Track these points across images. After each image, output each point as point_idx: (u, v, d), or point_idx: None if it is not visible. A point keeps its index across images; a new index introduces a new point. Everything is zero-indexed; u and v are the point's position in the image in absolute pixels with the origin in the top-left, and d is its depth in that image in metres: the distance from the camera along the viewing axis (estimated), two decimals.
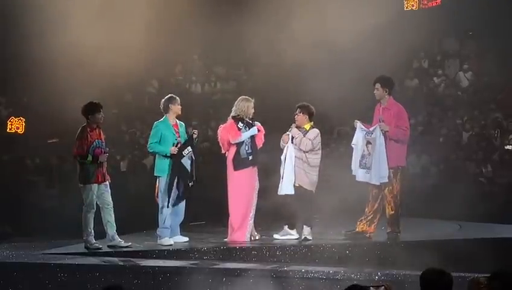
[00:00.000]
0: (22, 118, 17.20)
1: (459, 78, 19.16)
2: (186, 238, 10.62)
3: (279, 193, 10.53)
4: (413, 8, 19.78)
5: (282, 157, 10.57)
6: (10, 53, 16.46)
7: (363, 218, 10.75)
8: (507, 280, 5.32)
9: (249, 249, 10.12)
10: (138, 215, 12.86)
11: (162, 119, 10.53)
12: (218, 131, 10.69)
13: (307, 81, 14.06)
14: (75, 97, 12.50)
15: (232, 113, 10.55)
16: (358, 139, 10.67)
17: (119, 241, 10.18)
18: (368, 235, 10.69)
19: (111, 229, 10.13)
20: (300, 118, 10.67)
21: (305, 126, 10.65)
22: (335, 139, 16.14)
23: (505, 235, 11.24)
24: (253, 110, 10.57)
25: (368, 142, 10.55)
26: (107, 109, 11.05)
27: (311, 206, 10.63)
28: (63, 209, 14.15)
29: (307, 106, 10.73)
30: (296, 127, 10.66)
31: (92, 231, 10.10)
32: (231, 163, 10.47)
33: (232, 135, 10.45)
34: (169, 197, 10.21)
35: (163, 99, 10.62)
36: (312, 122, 10.71)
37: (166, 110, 10.51)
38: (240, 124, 10.47)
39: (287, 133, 10.64)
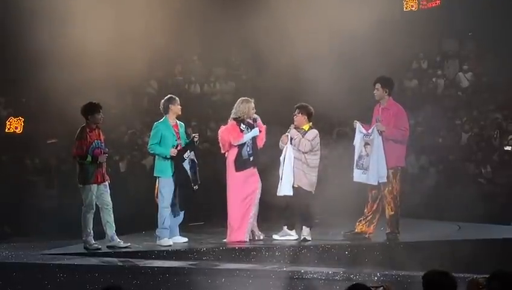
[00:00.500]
0: (20, 118, 17.15)
1: (458, 79, 19.17)
2: (185, 239, 10.62)
3: (278, 194, 10.51)
4: (413, 8, 19.83)
5: (281, 158, 10.55)
6: (10, 53, 16.44)
7: (362, 218, 10.74)
8: (506, 280, 5.31)
9: (248, 249, 10.11)
10: (137, 216, 12.85)
11: (162, 119, 10.53)
12: (219, 132, 10.67)
13: (306, 82, 14.04)
14: (75, 97, 12.48)
15: (233, 115, 10.53)
16: (356, 140, 10.67)
17: (119, 241, 10.18)
18: (367, 235, 10.68)
19: (110, 229, 10.13)
20: (299, 118, 10.63)
21: (304, 127, 10.62)
22: (334, 139, 16.12)
23: (504, 236, 11.22)
24: (254, 111, 10.57)
25: (366, 144, 10.54)
26: (107, 110, 11.04)
27: (310, 207, 10.62)
28: (62, 209, 14.13)
29: (305, 106, 10.69)
30: (295, 127, 10.63)
31: (91, 231, 10.11)
32: (232, 164, 10.46)
33: (234, 137, 10.44)
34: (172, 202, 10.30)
35: (163, 100, 10.61)
36: (311, 123, 10.69)
37: (166, 110, 10.50)
38: (242, 126, 10.47)
39: (286, 134, 10.63)
